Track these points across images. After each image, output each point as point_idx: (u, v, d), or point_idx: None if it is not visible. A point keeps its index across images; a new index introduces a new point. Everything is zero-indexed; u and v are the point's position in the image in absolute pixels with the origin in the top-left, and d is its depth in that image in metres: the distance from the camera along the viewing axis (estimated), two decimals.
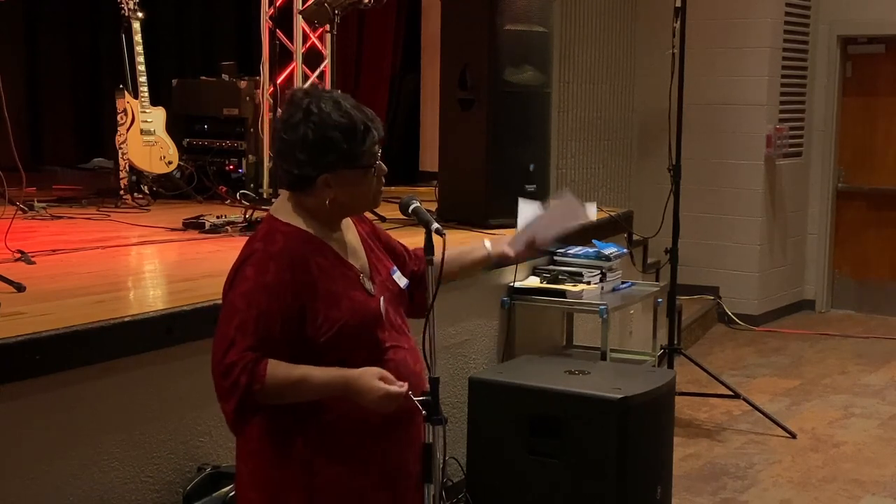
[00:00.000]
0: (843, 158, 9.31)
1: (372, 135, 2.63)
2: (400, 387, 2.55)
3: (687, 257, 6.94)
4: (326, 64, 6.36)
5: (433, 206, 5.76)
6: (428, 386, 2.64)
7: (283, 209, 2.68)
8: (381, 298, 2.70)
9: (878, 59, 9.10)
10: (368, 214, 3.01)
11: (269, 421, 2.61)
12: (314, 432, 2.61)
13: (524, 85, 5.66)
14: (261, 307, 2.52)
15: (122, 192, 6.36)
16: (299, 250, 2.59)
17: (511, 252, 3.06)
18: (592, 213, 3.47)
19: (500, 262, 3.15)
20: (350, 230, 2.77)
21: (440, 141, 5.94)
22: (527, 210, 3.25)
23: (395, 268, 2.83)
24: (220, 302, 3.60)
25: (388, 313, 2.71)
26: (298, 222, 2.64)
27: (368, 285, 2.69)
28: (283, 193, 2.73)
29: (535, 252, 3.13)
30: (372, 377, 2.55)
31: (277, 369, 2.52)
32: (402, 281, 2.81)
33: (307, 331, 2.57)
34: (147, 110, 6.48)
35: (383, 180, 2.71)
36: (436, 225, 2.68)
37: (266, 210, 5.44)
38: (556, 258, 5.54)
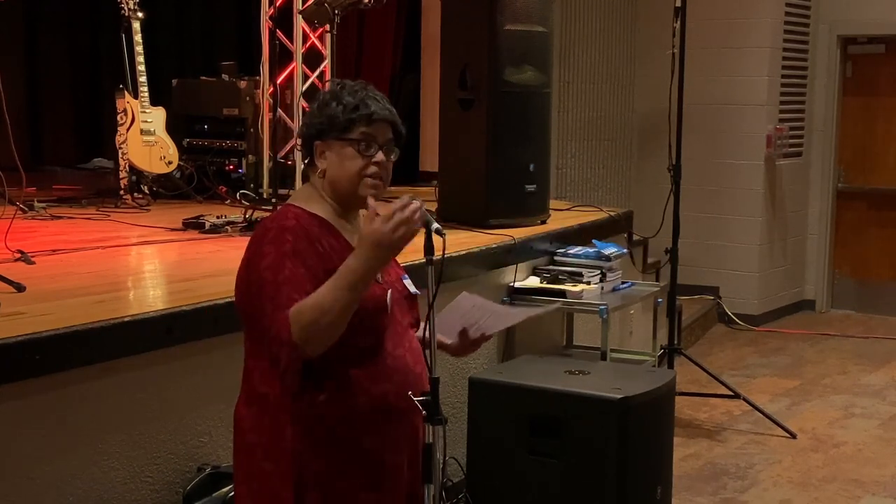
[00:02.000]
0: (843, 158, 9.31)
1: (367, 107, 2.66)
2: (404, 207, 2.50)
3: (687, 257, 6.94)
4: (326, 64, 6.36)
5: (433, 206, 5.76)
6: (427, 386, 2.64)
7: (298, 196, 2.78)
8: (389, 291, 2.70)
9: (878, 59, 9.10)
10: None
11: (260, 413, 2.62)
12: (304, 426, 2.60)
13: (524, 85, 5.66)
14: (287, 271, 2.55)
15: (122, 192, 6.35)
16: (311, 228, 2.64)
17: (447, 341, 2.86)
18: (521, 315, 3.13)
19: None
20: None
21: (440, 141, 5.94)
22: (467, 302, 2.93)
23: (405, 275, 2.84)
24: (220, 302, 3.61)
25: (393, 310, 2.71)
26: (311, 207, 2.69)
27: (378, 275, 2.70)
28: (304, 184, 2.81)
29: (473, 345, 2.86)
30: (374, 222, 2.50)
31: (299, 304, 2.50)
32: (412, 287, 2.81)
33: None
34: (147, 110, 6.47)
35: (376, 169, 2.69)
36: (436, 225, 2.67)
37: (265, 210, 5.47)
38: (556, 258, 5.55)
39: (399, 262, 2.85)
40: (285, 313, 2.51)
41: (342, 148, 2.67)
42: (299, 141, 2.88)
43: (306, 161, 2.76)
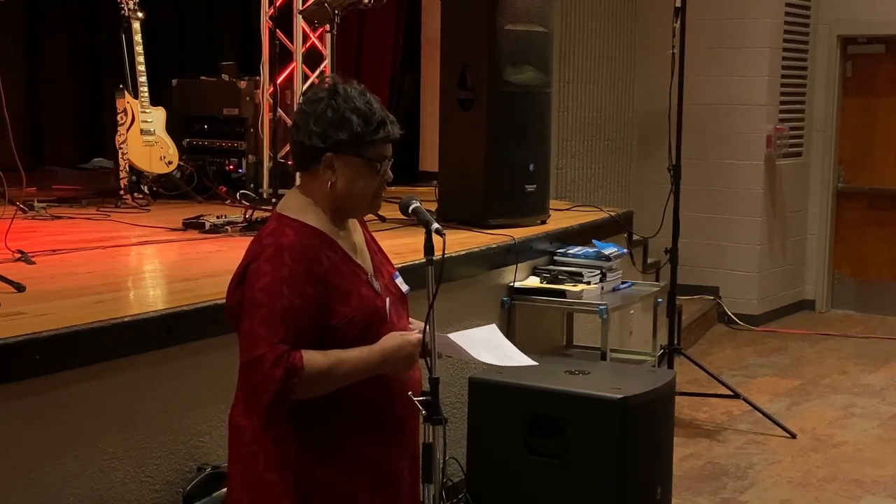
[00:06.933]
0: (843, 158, 9.30)
1: (386, 129, 2.65)
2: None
3: (687, 257, 6.94)
4: (326, 64, 6.36)
5: (433, 206, 5.76)
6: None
7: (290, 206, 2.69)
8: (388, 299, 2.70)
9: (878, 59, 9.10)
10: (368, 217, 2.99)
11: (262, 425, 2.58)
12: (309, 437, 2.59)
13: (524, 85, 5.66)
14: (284, 300, 2.51)
15: (122, 192, 6.35)
16: (310, 243, 2.59)
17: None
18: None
19: None
20: (357, 232, 2.78)
21: (440, 141, 5.94)
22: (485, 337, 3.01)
23: (396, 273, 2.83)
24: (220, 302, 3.59)
25: (390, 315, 2.71)
26: (306, 218, 2.64)
27: (377, 285, 2.70)
28: (290, 191, 2.75)
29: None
30: (394, 336, 2.62)
31: (313, 357, 2.52)
32: (404, 286, 2.81)
33: (327, 320, 2.58)
34: (147, 110, 6.47)
35: (385, 187, 2.71)
36: (436, 225, 2.68)
37: (265, 210, 5.47)
38: (556, 258, 5.55)
39: (397, 261, 2.85)
40: (282, 347, 2.49)
41: (359, 166, 2.63)
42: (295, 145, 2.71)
43: (301, 167, 2.70)
